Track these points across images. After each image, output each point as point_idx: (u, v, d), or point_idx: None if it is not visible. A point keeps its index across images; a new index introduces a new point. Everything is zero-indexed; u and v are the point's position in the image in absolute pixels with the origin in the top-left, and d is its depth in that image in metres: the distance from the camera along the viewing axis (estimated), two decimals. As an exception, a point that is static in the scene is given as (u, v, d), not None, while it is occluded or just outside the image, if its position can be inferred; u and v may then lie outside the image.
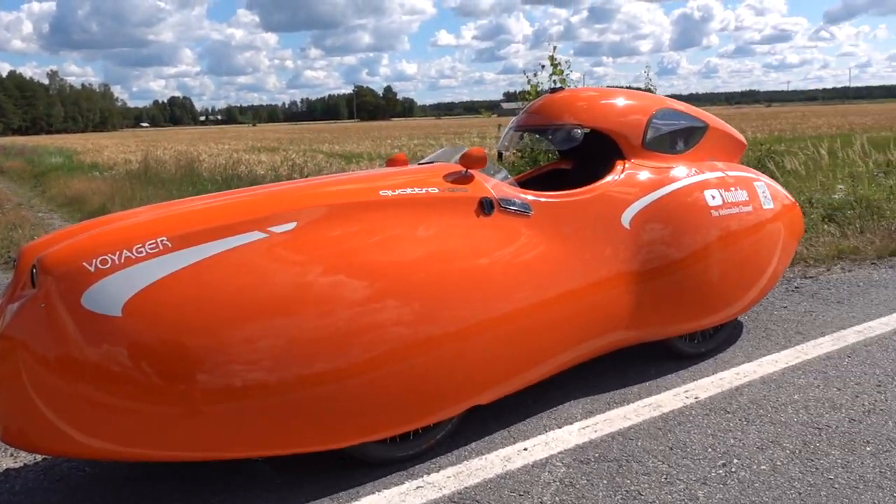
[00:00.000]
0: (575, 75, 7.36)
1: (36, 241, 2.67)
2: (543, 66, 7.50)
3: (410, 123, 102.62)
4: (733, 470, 2.59)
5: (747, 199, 3.70)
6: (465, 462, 2.74)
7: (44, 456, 2.92)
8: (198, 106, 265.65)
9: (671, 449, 2.76)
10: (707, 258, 3.47)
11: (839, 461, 2.62)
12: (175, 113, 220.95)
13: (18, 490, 2.73)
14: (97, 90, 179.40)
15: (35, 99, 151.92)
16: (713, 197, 3.54)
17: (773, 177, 8.69)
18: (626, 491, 2.49)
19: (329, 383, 2.49)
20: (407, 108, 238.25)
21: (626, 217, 3.30)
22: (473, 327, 2.77)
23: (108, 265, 2.29)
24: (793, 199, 4.18)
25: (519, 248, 2.98)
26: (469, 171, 2.97)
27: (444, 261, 2.77)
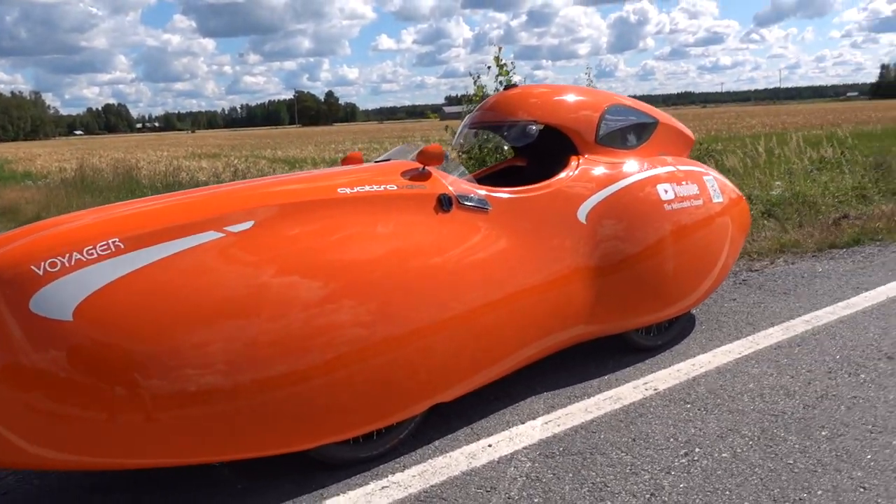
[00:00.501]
0: (516, 78, 7.39)
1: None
2: (489, 67, 7.53)
3: (353, 128, 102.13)
4: (696, 458, 2.62)
5: (698, 192, 3.76)
6: (430, 460, 2.71)
7: (-11, 471, 2.79)
8: (134, 113, 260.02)
9: (634, 440, 2.78)
10: (662, 251, 3.51)
11: (797, 446, 2.67)
12: (110, 120, 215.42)
13: (-38, 508, 2.61)
14: (28, 98, 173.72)
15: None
16: (665, 191, 3.59)
17: (714, 174, 8.89)
18: (593, 483, 2.50)
19: (287, 386, 2.44)
20: (349, 113, 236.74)
21: (583, 212, 3.32)
22: (434, 325, 2.75)
23: (58, 268, 2.20)
24: (739, 193, 4.26)
25: (478, 244, 2.97)
26: (426, 167, 2.95)
27: (405, 258, 2.74)
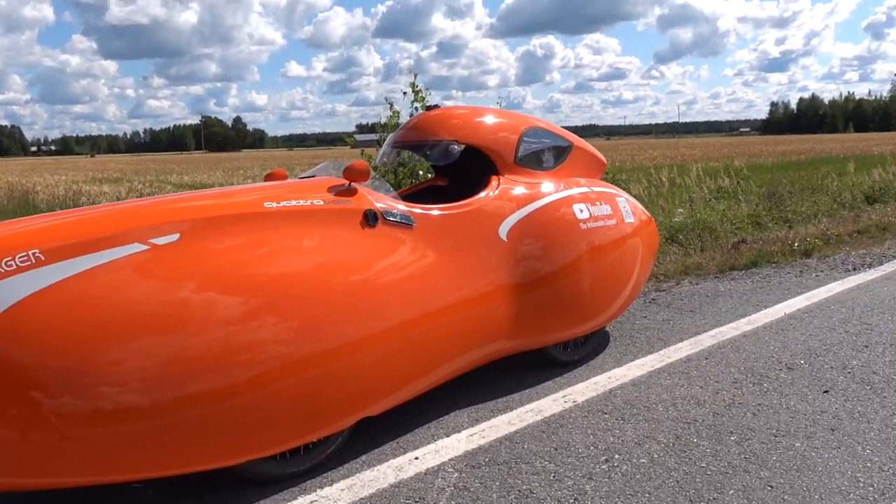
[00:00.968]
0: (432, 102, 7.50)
1: None
2: (405, 93, 7.62)
3: (262, 154, 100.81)
4: (616, 464, 2.72)
5: (611, 212, 3.92)
6: (358, 474, 2.71)
7: None
8: (28, 136, 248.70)
9: (556, 449, 2.86)
10: (579, 268, 3.64)
11: (709, 451, 2.80)
12: (2, 143, 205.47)
13: None
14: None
15: None
16: (581, 210, 3.72)
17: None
18: (519, 490, 2.55)
19: (210, 403, 2.40)
20: (258, 139, 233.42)
21: (504, 229, 3.41)
22: (361, 340, 2.76)
23: (-26, 280, 2.12)
24: (649, 215, 4.46)
25: (403, 260, 3.01)
26: (352, 183, 2.98)
27: (331, 273, 2.75)
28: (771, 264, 6.50)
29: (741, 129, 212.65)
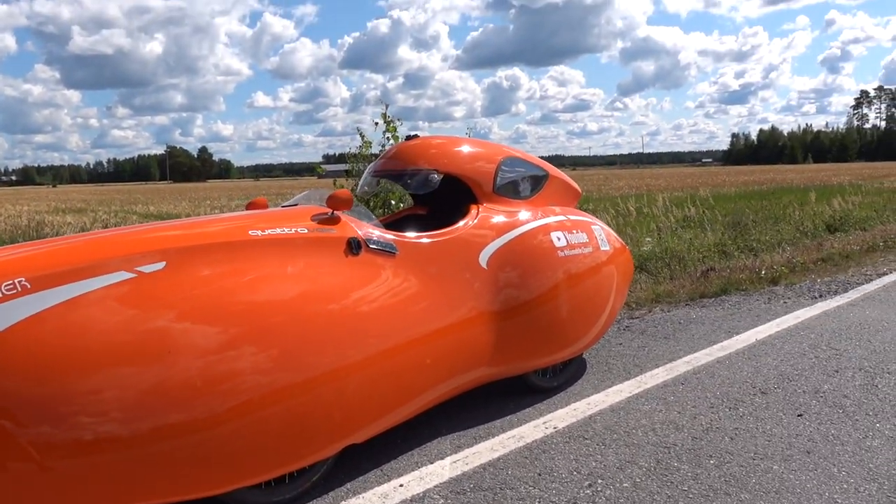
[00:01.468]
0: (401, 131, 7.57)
1: None
2: (377, 123, 7.68)
3: (228, 185, 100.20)
4: (599, 489, 2.74)
5: (587, 240, 3.99)
6: (343, 502, 2.70)
7: None
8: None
9: (540, 475, 2.88)
10: (557, 296, 3.69)
11: (689, 474, 2.85)
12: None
13: None
14: None
15: None
16: (558, 238, 3.79)
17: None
18: (505, 516, 2.57)
19: (191, 433, 2.39)
20: (224, 170, 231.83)
21: (484, 257, 3.46)
22: (344, 368, 2.77)
23: (-40, 309, 2.10)
24: (623, 243, 4.54)
25: (386, 287, 3.03)
26: (336, 212, 3.01)
27: (316, 301, 2.77)
28: (740, 291, 6.62)
29: (703, 160, 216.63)
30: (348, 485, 2.84)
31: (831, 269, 7.82)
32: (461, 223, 3.51)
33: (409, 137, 3.95)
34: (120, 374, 2.28)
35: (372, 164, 3.96)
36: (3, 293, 2.16)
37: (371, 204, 7.15)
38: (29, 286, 2.20)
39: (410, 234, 3.26)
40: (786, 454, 3.00)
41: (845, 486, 2.71)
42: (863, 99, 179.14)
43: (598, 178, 53.65)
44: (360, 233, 3.01)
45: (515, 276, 3.53)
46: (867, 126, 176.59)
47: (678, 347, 4.70)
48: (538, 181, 4.13)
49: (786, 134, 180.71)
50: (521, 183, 4.01)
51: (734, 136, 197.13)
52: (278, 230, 2.79)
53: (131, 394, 2.28)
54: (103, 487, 2.26)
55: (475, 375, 3.40)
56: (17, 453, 2.14)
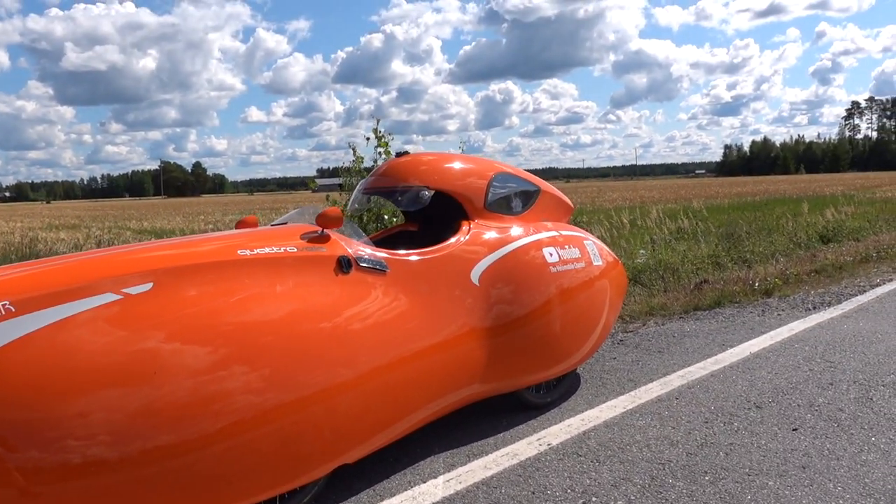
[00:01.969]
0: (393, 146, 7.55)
1: None
2: (369, 139, 7.67)
3: (222, 199, 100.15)
4: (593, 507, 2.72)
5: (579, 255, 3.98)
6: (335, 524, 2.68)
7: None
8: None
9: (533, 493, 2.85)
10: (550, 311, 3.67)
11: (684, 491, 2.82)
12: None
13: None
14: None
15: None
16: (550, 254, 3.77)
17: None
18: (498, 536, 2.54)
19: (182, 454, 2.36)
20: (218, 185, 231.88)
21: (476, 274, 3.44)
22: (335, 387, 2.75)
23: (-56, 333, 2.07)
24: (615, 257, 4.53)
25: (377, 306, 3.01)
26: (325, 230, 2.99)
27: (306, 320, 2.74)
28: (733, 304, 6.62)
29: (697, 171, 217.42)
30: (340, 505, 2.81)
31: (825, 280, 7.82)
32: (453, 240, 3.50)
33: (399, 154, 3.95)
34: (107, 397, 2.25)
35: (362, 182, 3.95)
36: None
37: (364, 219, 7.14)
38: (14, 309, 2.17)
39: (401, 252, 3.24)
40: (781, 469, 2.98)
41: (842, 501, 2.69)
42: (854, 110, 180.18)
43: (591, 190, 53.77)
44: (350, 251, 2.99)
45: (508, 292, 3.51)
46: (859, 136, 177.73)
47: (672, 361, 4.69)
48: (530, 196, 4.12)
49: (778, 145, 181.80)
50: (513, 199, 4.00)
51: (727, 147, 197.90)
52: (267, 249, 2.77)
53: (119, 416, 2.25)
54: None
55: (468, 393, 3.38)
56: (4, 479, 2.11)
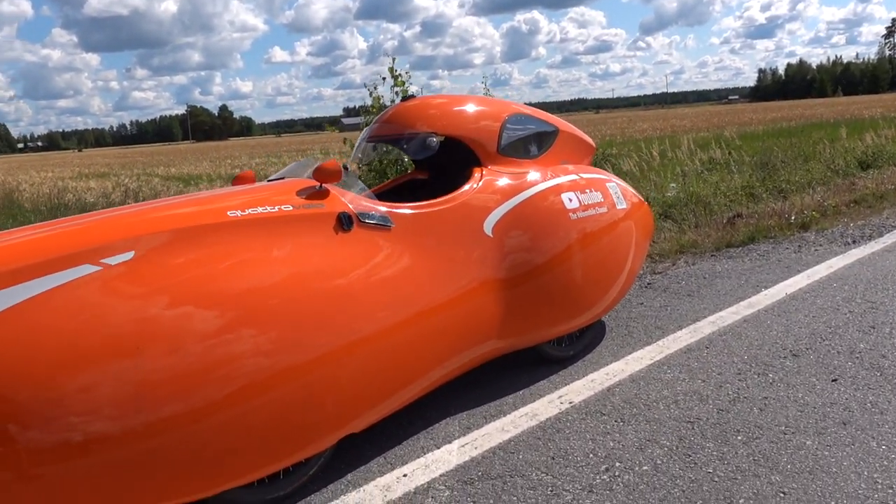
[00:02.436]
0: (413, 88, 7.26)
1: None
2: (385, 79, 7.38)
3: (250, 143, 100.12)
4: (617, 474, 2.55)
5: (602, 200, 3.73)
6: (342, 496, 2.54)
7: None
8: (14, 133, 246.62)
9: (553, 459, 2.69)
10: (570, 260, 3.46)
11: (715, 454, 2.64)
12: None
13: None
14: None
15: None
16: (570, 200, 3.54)
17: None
18: (514, 509, 2.39)
19: (184, 426, 2.23)
20: (245, 127, 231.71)
21: (489, 224, 3.23)
22: (339, 351, 2.58)
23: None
24: (641, 198, 4.27)
25: (382, 264, 2.82)
26: (324, 185, 2.79)
27: (304, 282, 2.56)
28: (768, 239, 6.34)
29: (730, 97, 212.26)
30: (349, 476, 2.67)
31: (865, 211, 7.47)
32: (463, 189, 3.27)
33: (405, 98, 3.70)
34: (99, 372, 2.11)
35: (366, 129, 3.71)
36: None
37: (384, 163, 6.90)
38: None
39: (408, 205, 3.03)
40: (820, 427, 2.78)
41: (886, 462, 2.49)
42: (894, 27, 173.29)
43: (621, 120, 52.68)
44: (350, 207, 2.79)
45: (524, 243, 3.30)
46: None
47: (703, 306, 4.46)
48: (547, 138, 3.86)
49: (814, 67, 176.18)
50: (529, 141, 3.75)
51: (761, 71, 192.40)
52: (260, 209, 2.58)
53: (125, 387, 2.12)
54: (93, 493, 2.11)
55: (484, 350, 3.20)
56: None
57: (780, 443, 2.68)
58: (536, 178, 3.52)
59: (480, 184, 3.32)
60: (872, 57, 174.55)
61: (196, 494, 2.29)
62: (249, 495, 2.47)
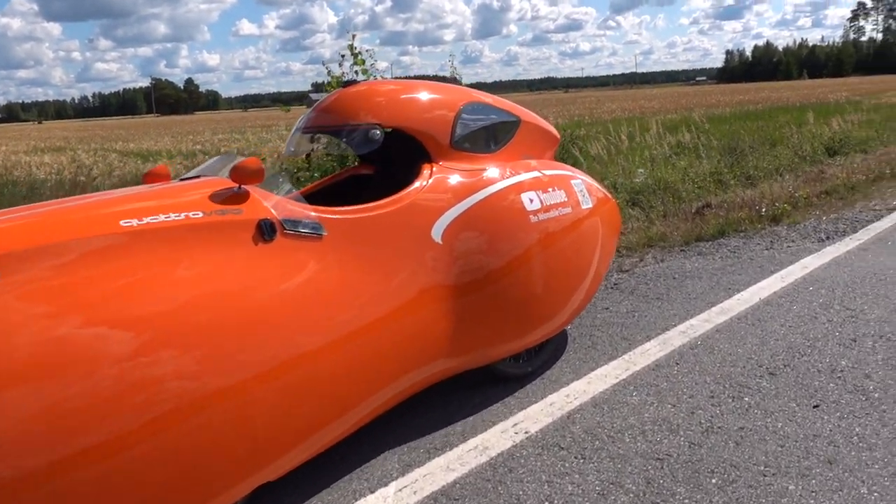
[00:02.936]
0: (382, 65, 6.84)
1: None
2: (343, 57, 6.93)
3: (215, 117, 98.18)
4: (575, 527, 2.22)
5: (565, 199, 3.37)
6: (256, 557, 2.18)
7: None
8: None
9: (503, 506, 2.35)
10: (528, 268, 3.10)
11: (686, 501, 2.32)
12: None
13: None
14: None
15: None
16: (531, 200, 3.17)
17: (576, 163, 8.73)
18: (455, 575, 2.04)
19: (47, 483, 1.83)
20: (211, 101, 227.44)
21: (438, 229, 2.85)
22: (249, 383, 2.18)
23: None
24: (607, 193, 3.92)
25: (311, 278, 2.43)
26: (243, 186, 2.39)
27: (214, 307, 2.16)
28: (739, 233, 6.06)
29: (698, 78, 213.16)
30: (266, 529, 2.31)
31: (837, 203, 7.23)
32: (411, 188, 2.89)
33: (346, 84, 3.29)
34: None
35: (302, 117, 3.29)
36: None
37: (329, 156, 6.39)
38: None
39: (342, 209, 2.63)
40: (803, 466, 2.47)
41: (879, 514, 2.19)
42: (860, 11, 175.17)
43: (590, 100, 52.36)
44: (274, 212, 2.39)
45: (477, 249, 2.93)
46: (863, 39, 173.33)
47: (672, 311, 4.14)
48: (508, 129, 3.49)
49: (780, 49, 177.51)
50: (487, 133, 3.37)
51: (728, 52, 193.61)
52: (162, 217, 2.17)
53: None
54: None
55: (431, 371, 2.83)
56: None
57: (760, 487, 2.36)
58: (494, 175, 3.15)
59: (429, 182, 2.95)
60: (837, 40, 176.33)
61: None
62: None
